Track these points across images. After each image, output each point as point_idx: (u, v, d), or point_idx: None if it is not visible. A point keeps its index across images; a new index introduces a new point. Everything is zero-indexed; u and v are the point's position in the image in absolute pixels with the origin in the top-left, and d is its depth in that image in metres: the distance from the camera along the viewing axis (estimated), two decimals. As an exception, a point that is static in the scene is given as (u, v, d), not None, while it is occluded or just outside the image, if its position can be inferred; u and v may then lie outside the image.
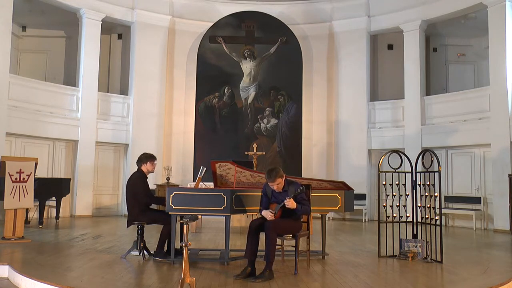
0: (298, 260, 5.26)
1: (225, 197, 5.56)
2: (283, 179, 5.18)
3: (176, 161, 13.20)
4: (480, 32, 12.38)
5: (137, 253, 6.03)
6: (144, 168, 6.19)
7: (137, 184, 6.07)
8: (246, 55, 13.25)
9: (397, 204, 6.49)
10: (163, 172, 11.70)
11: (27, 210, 9.54)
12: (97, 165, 12.42)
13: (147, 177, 6.23)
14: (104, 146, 12.67)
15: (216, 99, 13.12)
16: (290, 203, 5.03)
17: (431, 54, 13.51)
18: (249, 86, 13.22)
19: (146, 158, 6.20)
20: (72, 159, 12.17)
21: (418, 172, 6.46)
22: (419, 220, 6.43)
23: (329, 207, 6.32)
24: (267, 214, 5.13)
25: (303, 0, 13.72)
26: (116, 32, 13.79)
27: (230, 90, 13.18)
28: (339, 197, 6.32)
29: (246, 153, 11.54)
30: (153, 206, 6.35)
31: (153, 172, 6.39)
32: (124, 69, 13.54)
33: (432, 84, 13.35)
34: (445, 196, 11.38)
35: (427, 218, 6.31)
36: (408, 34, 12.52)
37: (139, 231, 6.03)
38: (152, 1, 13.16)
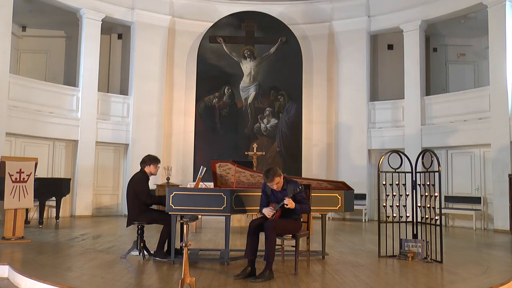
0: (298, 260, 5.26)
1: (225, 197, 5.56)
2: (281, 177, 5.19)
3: (176, 161, 13.20)
4: (480, 32, 12.38)
5: (137, 253, 6.03)
6: (147, 169, 6.19)
7: (140, 184, 6.07)
8: (246, 55, 13.25)
9: (397, 204, 6.49)
10: (163, 172, 11.70)
11: (27, 210, 9.53)
12: (97, 165, 12.41)
13: (149, 179, 6.24)
14: (104, 146, 12.67)
15: (216, 99, 13.12)
16: (290, 203, 5.04)
17: (431, 54, 13.51)
18: (249, 86, 13.23)
19: (151, 160, 6.21)
20: (72, 159, 12.17)
21: (418, 172, 6.46)
22: (419, 220, 6.43)
23: (329, 207, 6.32)
24: (267, 211, 5.13)
25: (303, 0, 13.72)
26: (116, 32, 13.79)
27: (230, 90, 13.18)
28: (339, 197, 6.32)
29: (246, 153, 11.55)
30: (153, 206, 6.35)
31: (155, 175, 6.41)
32: (124, 69, 13.54)
33: (432, 84, 13.35)
34: (445, 196, 11.38)
35: (427, 218, 6.31)
36: (408, 34, 12.52)
37: (139, 231, 6.03)
38: (152, 1, 13.16)
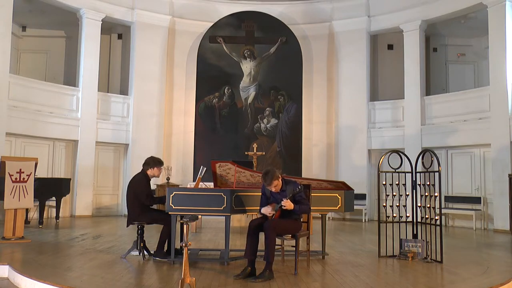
0: (298, 260, 5.26)
1: (225, 197, 5.56)
2: (280, 179, 5.17)
3: (176, 161, 13.20)
4: (480, 32, 12.38)
5: (137, 253, 6.03)
6: (150, 172, 6.18)
7: (140, 185, 6.06)
8: (246, 55, 13.25)
9: (397, 204, 6.49)
10: (163, 172, 11.69)
11: (27, 210, 9.53)
12: (97, 165, 12.41)
13: (150, 180, 6.23)
14: (104, 146, 12.66)
15: (216, 99, 13.12)
16: (288, 205, 5.04)
17: (431, 54, 13.51)
18: (249, 86, 13.23)
19: (155, 163, 6.20)
20: (72, 159, 12.16)
21: (418, 172, 6.46)
22: (419, 220, 6.43)
23: (329, 207, 6.32)
24: (267, 211, 5.13)
25: (303, 0, 13.72)
26: (116, 32, 13.80)
27: (230, 90, 13.18)
28: (339, 197, 6.32)
29: (246, 153, 11.55)
30: (154, 206, 6.35)
31: (158, 177, 6.37)
32: (124, 69, 13.54)
33: (432, 84, 13.35)
34: (445, 196, 11.38)
35: (427, 218, 6.31)
36: (408, 34, 12.52)
37: (139, 231, 6.03)
38: (152, 1, 13.16)
